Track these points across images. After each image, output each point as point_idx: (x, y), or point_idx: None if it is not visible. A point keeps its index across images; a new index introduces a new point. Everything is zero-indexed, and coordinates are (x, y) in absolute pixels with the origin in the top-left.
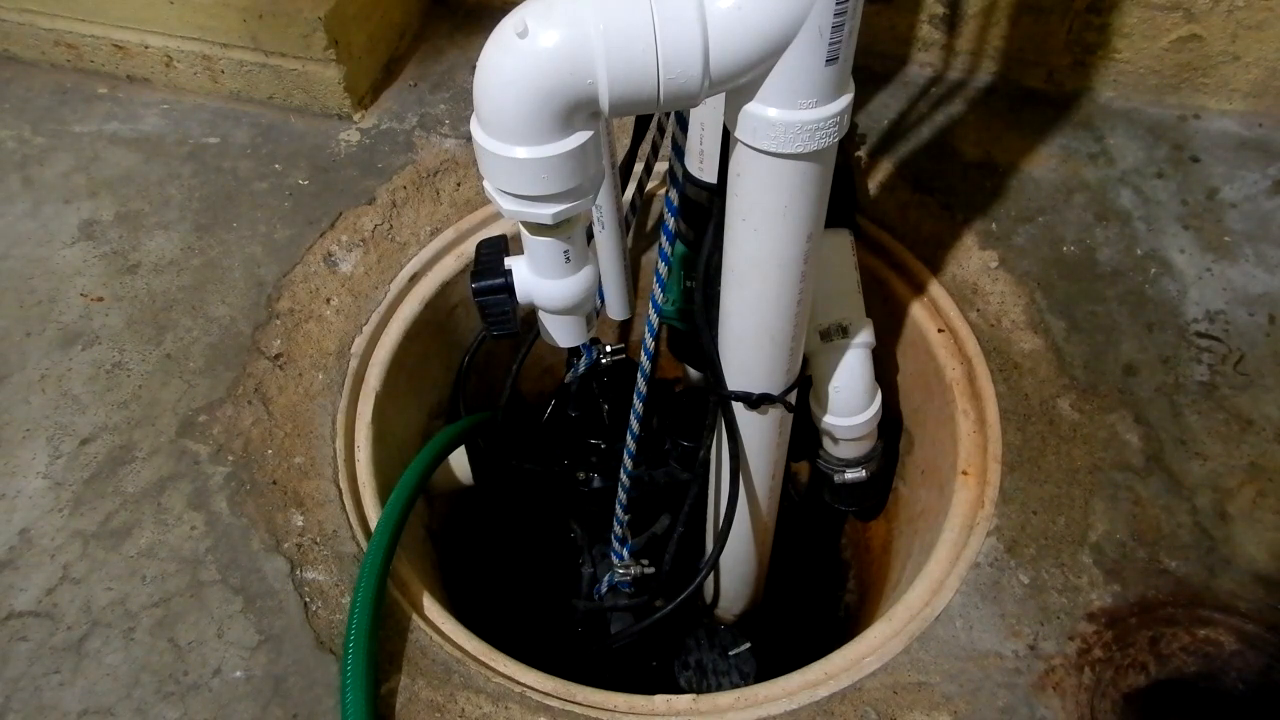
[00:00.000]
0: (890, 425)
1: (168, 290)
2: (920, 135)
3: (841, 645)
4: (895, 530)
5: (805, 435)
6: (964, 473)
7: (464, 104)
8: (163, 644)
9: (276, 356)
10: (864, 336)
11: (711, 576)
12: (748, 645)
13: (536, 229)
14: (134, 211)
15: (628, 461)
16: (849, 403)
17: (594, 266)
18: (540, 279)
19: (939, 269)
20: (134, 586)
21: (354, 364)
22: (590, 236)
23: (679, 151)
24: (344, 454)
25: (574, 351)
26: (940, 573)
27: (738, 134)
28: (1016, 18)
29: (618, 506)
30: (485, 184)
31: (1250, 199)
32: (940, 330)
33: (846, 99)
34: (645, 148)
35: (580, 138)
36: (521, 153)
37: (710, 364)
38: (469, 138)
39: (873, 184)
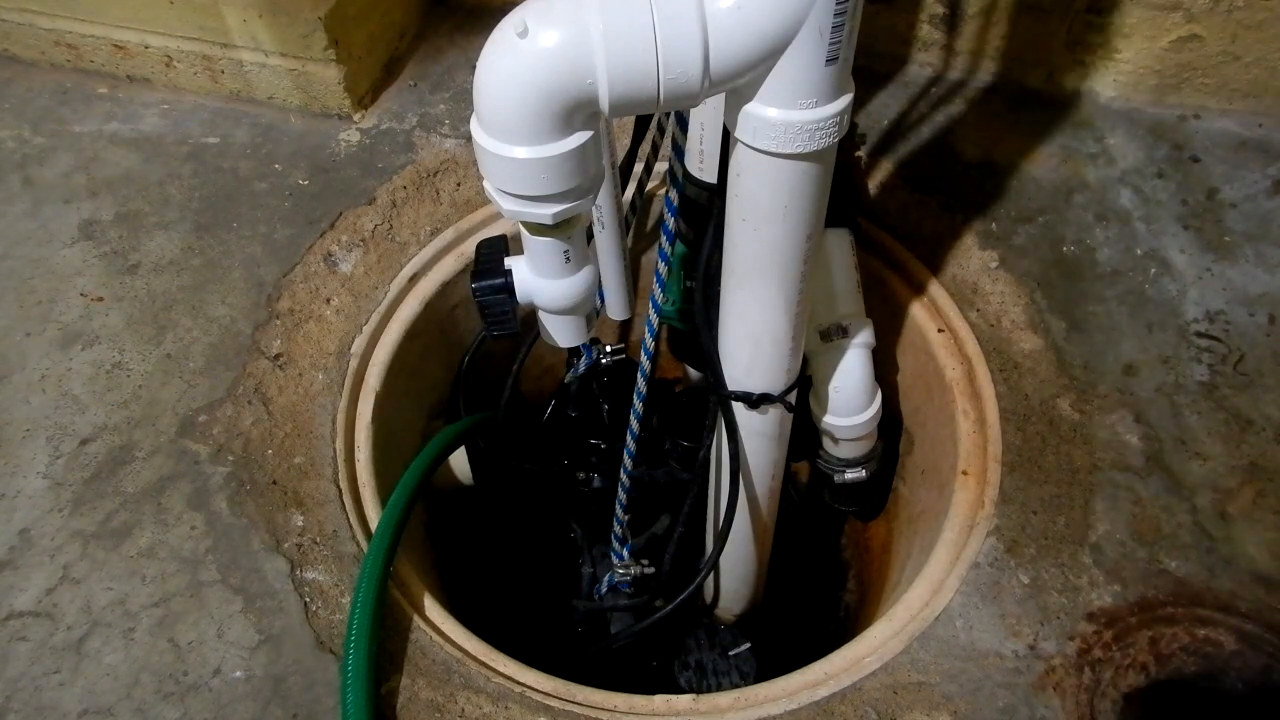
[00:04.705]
0: (890, 425)
1: (168, 290)
2: (920, 135)
3: (841, 645)
4: (895, 530)
5: (805, 435)
6: (964, 473)
7: (464, 104)
8: (163, 644)
9: (276, 356)
10: (864, 336)
11: (711, 576)
12: (748, 645)
13: (536, 229)
14: (134, 211)
15: (628, 461)
16: (849, 403)
17: (594, 266)
18: (540, 279)
19: (939, 269)
20: (134, 586)
21: (354, 364)
22: (590, 236)
23: (679, 151)
24: (344, 454)
25: (574, 351)
26: (940, 573)
27: (738, 134)
28: (1016, 18)
29: (618, 506)
30: (485, 184)
31: (1250, 199)
32: (940, 330)
33: (846, 99)
34: (645, 148)
35: (580, 138)
36: (521, 153)
37: (710, 364)
38: (469, 138)
39: (873, 184)
